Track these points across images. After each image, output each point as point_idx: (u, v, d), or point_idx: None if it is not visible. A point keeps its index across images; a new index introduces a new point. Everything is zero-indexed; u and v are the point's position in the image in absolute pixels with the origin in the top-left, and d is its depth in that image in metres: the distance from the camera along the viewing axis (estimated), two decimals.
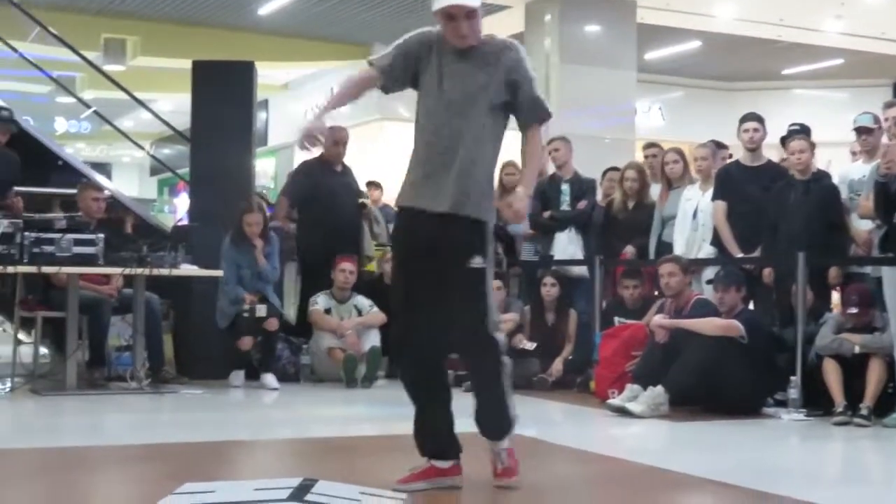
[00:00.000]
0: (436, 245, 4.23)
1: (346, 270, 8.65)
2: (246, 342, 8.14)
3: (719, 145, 8.84)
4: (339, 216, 9.03)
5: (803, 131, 8.12)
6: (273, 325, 8.19)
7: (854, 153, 8.22)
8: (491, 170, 4.35)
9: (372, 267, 9.74)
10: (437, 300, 4.24)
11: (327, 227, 8.92)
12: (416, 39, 4.36)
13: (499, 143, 4.38)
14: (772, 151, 8.52)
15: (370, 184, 11.92)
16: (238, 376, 8.22)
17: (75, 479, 4.56)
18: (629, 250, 8.59)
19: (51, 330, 8.45)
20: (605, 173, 9.35)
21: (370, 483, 4.16)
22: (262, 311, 8.11)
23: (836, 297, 7.90)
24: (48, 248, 7.15)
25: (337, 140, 9.22)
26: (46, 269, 7.25)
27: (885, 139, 7.36)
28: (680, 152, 8.64)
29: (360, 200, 9.37)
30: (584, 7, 15.08)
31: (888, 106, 7.38)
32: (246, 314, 8.10)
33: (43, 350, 8.70)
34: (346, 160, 9.34)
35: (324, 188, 9.07)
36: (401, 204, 4.39)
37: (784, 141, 8.37)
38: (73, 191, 8.58)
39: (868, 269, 7.41)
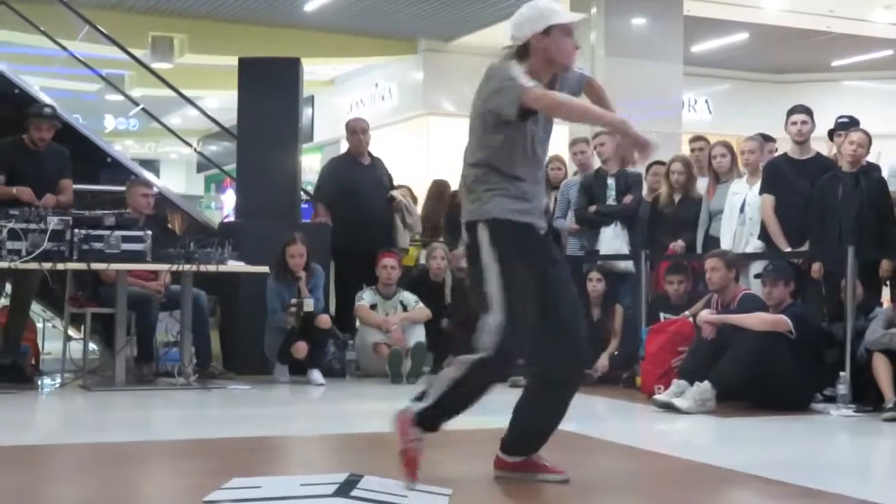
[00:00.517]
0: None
1: (387, 266, 8.66)
2: (301, 349, 8.10)
3: (766, 138, 8.76)
4: (369, 210, 9.06)
5: (852, 123, 8.04)
6: (325, 322, 8.19)
7: None
8: None
9: (410, 260, 9.75)
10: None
11: (358, 222, 8.94)
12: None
13: None
14: (820, 144, 8.43)
15: None
16: (283, 371, 8.25)
17: (124, 474, 4.60)
18: (679, 245, 8.51)
19: (100, 326, 8.55)
20: (649, 167, 9.30)
21: None
22: (309, 304, 8.12)
23: (886, 291, 7.81)
24: (97, 245, 7.23)
25: (354, 129, 9.27)
26: (95, 266, 7.33)
27: None
28: (728, 146, 8.56)
29: (390, 193, 9.37)
30: (630, 0, 15.01)
31: None
32: (294, 308, 8.10)
33: (92, 346, 8.81)
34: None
35: (352, 184, 9.11)
36: (532, 222, 4.27)
37: (832, 133, 8.29)
38: (122, 188, 8.66)
39: None
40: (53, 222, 7.14)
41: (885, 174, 7.72)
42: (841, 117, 8.24)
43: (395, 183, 10.02)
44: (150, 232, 7.46)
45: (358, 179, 9.19)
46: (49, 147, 7.89)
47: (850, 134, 7.60)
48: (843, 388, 6.82)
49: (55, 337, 8.99)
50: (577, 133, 11.03)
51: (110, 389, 7.47)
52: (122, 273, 7.57)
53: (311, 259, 8.25)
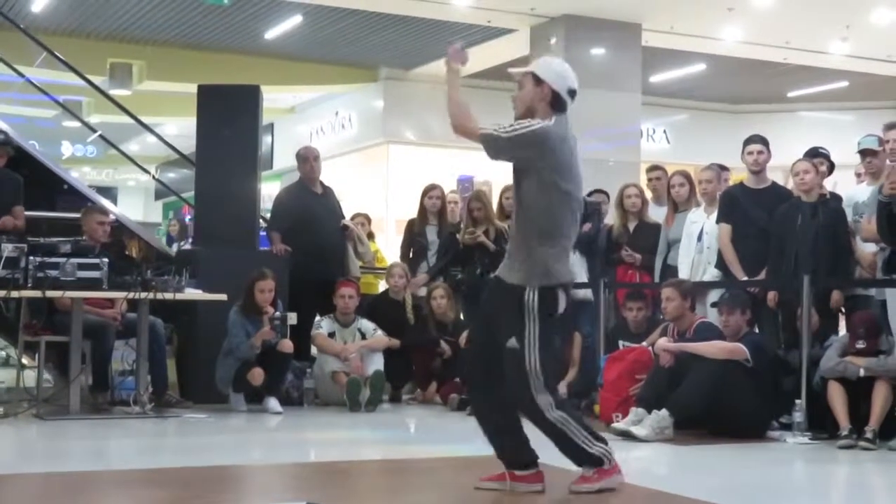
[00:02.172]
0: None
1: (345, 296, 8.64)
2: (257, 375, 8.02)
3: (722, 168, 8.82)
4: (323, 239, 9.06)
5: (822, 156, 8.06)
6: (288, 346, 8.13)
7: (859, 175, 8.20)
8: None
9: (367, 288, 9.75)
10: None
11: (313, 251, 8.92)
12: None
13: None
14: (776, 173, 8.50)
15: None
16: (239, 399, 8.17)
17: None
18: (636, 258, 8.56)
19: (54, 354, 8.44)
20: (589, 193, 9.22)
21: None
22: (293, 318, 8.06)
23: (842, 319, 7.86)
24: (52, 273, 7.16)
25: (306, 157, 9.29)
26: (50, 294, 7.25)
27: (887, 161, 7.36)
28: (686, 175, 8.63)
29: (343, 222, 9.37)
30: (589, 30, 15.12)
31: (889, 128, 7.39)
32: (277, 322, 8.03)
33: (46, 374, 8.70)
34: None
35: (306, 212, 9.11)
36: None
37: None
38: (79, 215, 8.59)
39: (872, 292, 7.40)
40: (8, 249, 7.05)
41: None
42: (820, 148, 8.20)
43: (354, 211, 10.00)
44: (106, 259, 7.40)
45: (312, 208, 9.19)
46: (2, 173, 7.82)
47: (793, 166, 7.64)
48: (798, 416, 6.86)
49: (9, 365, 8.88)
50: None
51: (65, 418, 7.38)
52: (78, 301, 7.50)
53: (276, 293, 8.21)
